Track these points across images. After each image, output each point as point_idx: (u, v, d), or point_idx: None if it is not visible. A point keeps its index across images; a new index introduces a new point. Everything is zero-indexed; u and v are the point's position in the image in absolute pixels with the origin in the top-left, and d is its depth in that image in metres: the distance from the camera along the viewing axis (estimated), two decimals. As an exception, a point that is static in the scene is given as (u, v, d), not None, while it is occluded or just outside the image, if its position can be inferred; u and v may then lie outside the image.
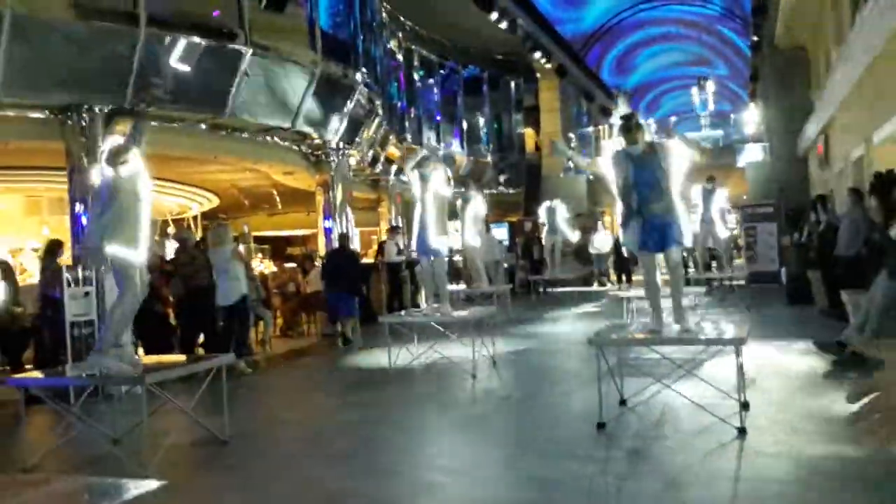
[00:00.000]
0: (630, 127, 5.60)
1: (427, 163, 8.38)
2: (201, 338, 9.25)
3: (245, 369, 8.79)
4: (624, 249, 12.38)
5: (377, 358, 8.79)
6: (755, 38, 21.76)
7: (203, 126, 10.39)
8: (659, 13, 26.93)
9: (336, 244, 11.89)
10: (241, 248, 9.27)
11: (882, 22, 8.31)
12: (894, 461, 4.19)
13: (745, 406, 5.18)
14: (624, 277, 19.48)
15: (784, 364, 7.47)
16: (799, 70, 19.00)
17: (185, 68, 9.12)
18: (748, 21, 21.91)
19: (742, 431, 4.98)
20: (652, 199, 5.47)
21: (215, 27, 9.54)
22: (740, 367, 5.13)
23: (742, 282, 14.37)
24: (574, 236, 15.92)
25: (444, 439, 5.32)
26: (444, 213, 8.20)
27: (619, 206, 5.73)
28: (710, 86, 26.75)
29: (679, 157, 5.57)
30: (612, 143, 26.67)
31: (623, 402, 6.01)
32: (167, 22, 8.92)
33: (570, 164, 24.35)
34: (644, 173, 5.48)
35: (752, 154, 23.05)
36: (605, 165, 5.71)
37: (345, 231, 12.56)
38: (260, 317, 10.65)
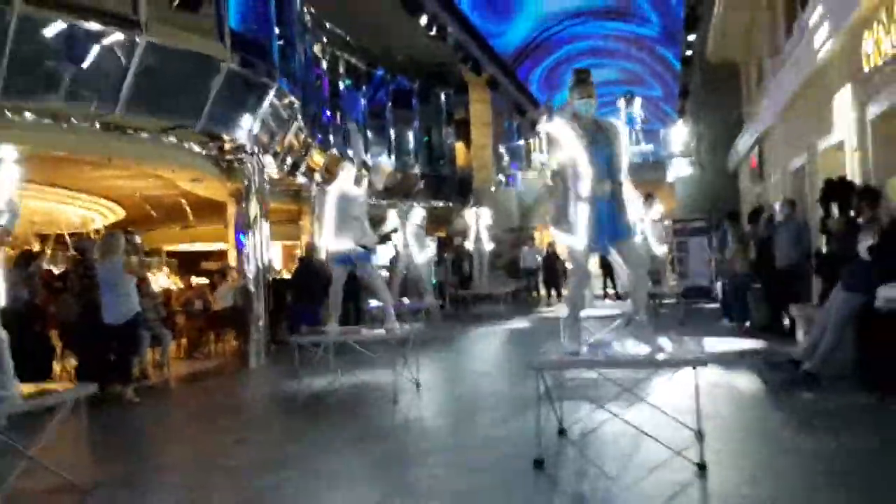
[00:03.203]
0: (584, 79, 4.83)
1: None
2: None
3: (133, 397, 7.68)
4: (563, 250, 11.77)
5: (288, 383, 7.81)
6: (686, 53, 21.67)
7: (95, 125, 9.23)
8: (592, 28, 26.70)
9: (303, 255, 11.80)
10: (135, 260, 8.13)
11: (825, 29, 7.89)
12: None
13: (700, 436, 4.46)
14: (554, 292, 19.06)
15: (733, 385, 6.82)
16: (729, 84, 18.89)
17: (68, 56, 8.01)
18: (680, 37, 21.82)
19: (702, 468, 4.25)
20: (600, 179, 4.71)
21: (106, 11, 8.43)
22: (697, 392, 4.41)
23: (672, 299, 13.94)
24: (489, 246, 15.39)
25: (354, 490, 4.40)
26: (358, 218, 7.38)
27: (559, 192, 4.90)
28: (638, 102, 26.61)
29: (625, 142, 4.83)
30: (543, 155, 26.47)
31: (562, 432, 5.24)
32: (47, 1, 7.80)
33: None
34: (594, 148, 4.72)
35: (680, 169, 23.02)
36: (557, 135, 4.86)
37: (310, 241, 11.76)
38: (158, 337, 9.54)
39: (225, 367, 10.43)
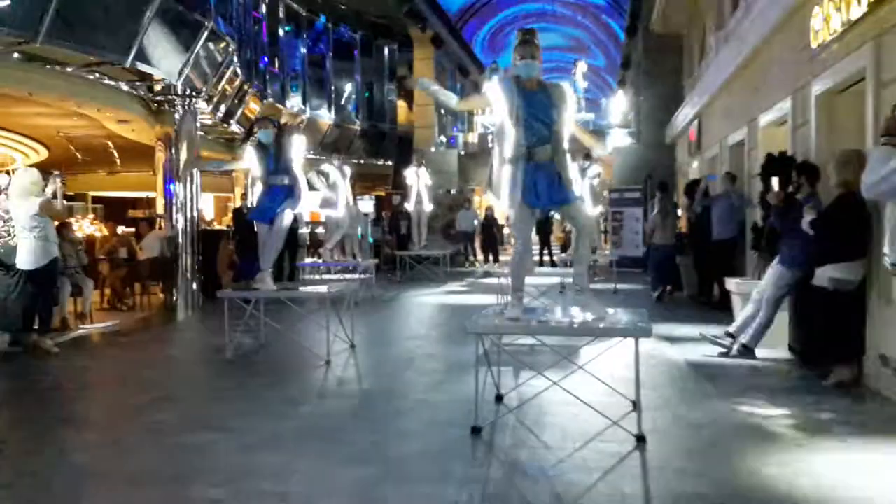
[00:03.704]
0: (528, 39, 4.62)
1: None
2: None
3: (51, 348, 7.28)
4: (501, 216, 11.72)
5: (216, 340, 7.51)
6: (631, 23, 21.68)
7: (14, 55, 8.59)
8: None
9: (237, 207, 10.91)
10: (59, 203, 7.62)
11: (773, 2, 7.87)
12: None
13: (636, 405, 4.43)
14: (491, 257, 19.05)
15: (669, 356, 6.87)
16: (672, 57, 18.96)
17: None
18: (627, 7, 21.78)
19: (641, 440, 4.21)
20: (540, 142, 4.56)
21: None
22: (637, 363, 4.35)
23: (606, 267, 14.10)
24: (429, 206, 15.23)
25: (281, 454, 4.21)
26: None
27: (495, 155, 4.74)
28: (582, 66, 26.58)
29: (571, 106, 4.66)
30: (483, 117, 26.25)
31: (499, 398, 5.15)
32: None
33: (439, 106, 23.41)
34: (533, 109, 4.55)
35: (618, 139, 23.19)
36: (492, 95, 4.69)
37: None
38: (79, 286, 9.09)
39: (150, 320, 10.02)
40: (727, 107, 11.52)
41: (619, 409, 4.63)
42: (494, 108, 4.65)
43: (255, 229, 7.20)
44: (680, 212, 13.41)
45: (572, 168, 4.73)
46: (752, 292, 6.81)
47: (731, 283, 8.00)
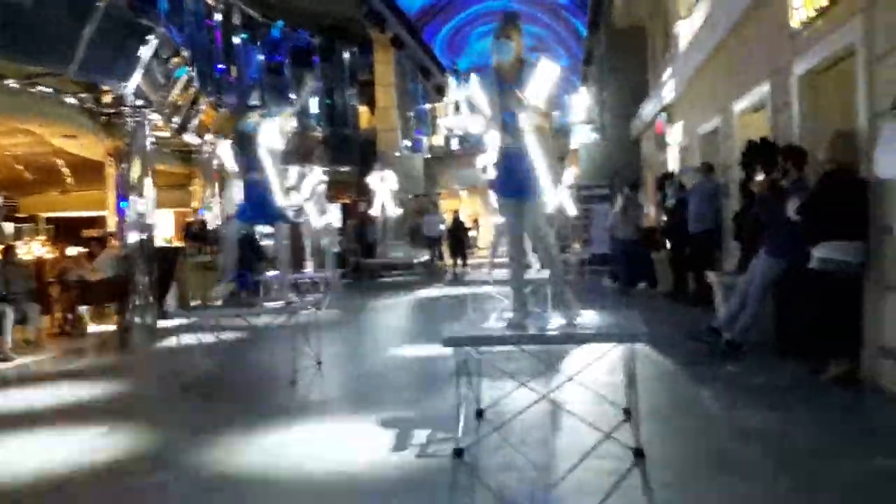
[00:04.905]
0: (510, 18, 4.27)
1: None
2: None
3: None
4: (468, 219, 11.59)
5: (173, 363, 7.00)
6: (592, 18, 21.48)
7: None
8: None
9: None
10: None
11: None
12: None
13: (627, 413, 4.06)
14: (460, 260, 18.65)
15: (654, 357, 6.49)
16: (635, 51, 18.78)
17: None
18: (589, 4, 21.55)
19: (639, 454, 3.83)
20: (509, 130, 4.21)
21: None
22: (631, 370, 3.97)
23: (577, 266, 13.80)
24: (396, 210, 14.84)
25: (244, 494, 3.76)
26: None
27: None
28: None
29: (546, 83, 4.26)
30: (449, 120, 25.90)
31: (480, 414, 4.75)
32: None
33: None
34: (509, 95, 4.18)
35: (583, 136, 23.00)
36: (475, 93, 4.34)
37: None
38: (24, 312, 8.52)
39: (103, 343, 9.44)
40: (698, 96, 11.28)
41: (610, 418, 4.26)
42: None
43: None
44: (651, 206, 13.22)
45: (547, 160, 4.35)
46: (735, 285, 6.49)
47: (713, 277, 7.70)
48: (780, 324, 6.25)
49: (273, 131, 6.56)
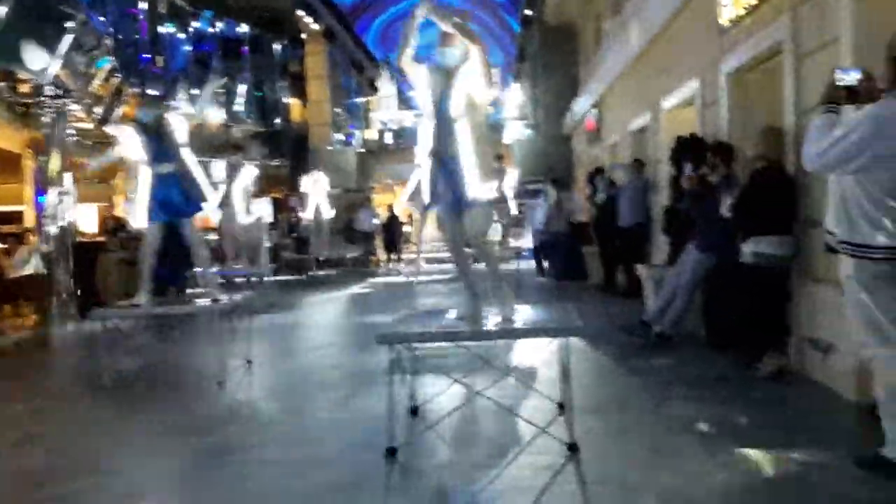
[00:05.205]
0: (444, 36, 4.18)
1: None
2: None
3: None
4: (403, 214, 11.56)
5: (92, 364, 6.69)
6: (526, 14, 21.60)
7: None
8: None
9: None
10: None
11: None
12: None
13: (562, 408, 4.05)
14: (394, 255, 18.53)
15: (585, 351, 6.50)
16: (567, 47, 18.99)
17: None
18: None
19: (574, 448, 3.82)
20: (446, 132, 4.14)
21: None
22: (565, 365, 3.94)
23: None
24: (330, 212, 14.65)
25: (170, 500, 3.58)
26: None
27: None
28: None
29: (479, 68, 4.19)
30: (381, 114, 25.74)
31: (414, 411, 4.66)
32: None
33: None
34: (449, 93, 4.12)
35: (517, 132, 23.16)
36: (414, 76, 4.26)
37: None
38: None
39: (19, 344, 8.99)
40: (628, 92, 11.43)
41: (544, 413, 4.23)
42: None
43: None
44: (581, 201, 13.41)
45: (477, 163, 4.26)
46: (664, 278, 6.58)
47: (642, 270, 7.80)
48: (709, 318, 6.36)
49: (178, 123, 6.31)
